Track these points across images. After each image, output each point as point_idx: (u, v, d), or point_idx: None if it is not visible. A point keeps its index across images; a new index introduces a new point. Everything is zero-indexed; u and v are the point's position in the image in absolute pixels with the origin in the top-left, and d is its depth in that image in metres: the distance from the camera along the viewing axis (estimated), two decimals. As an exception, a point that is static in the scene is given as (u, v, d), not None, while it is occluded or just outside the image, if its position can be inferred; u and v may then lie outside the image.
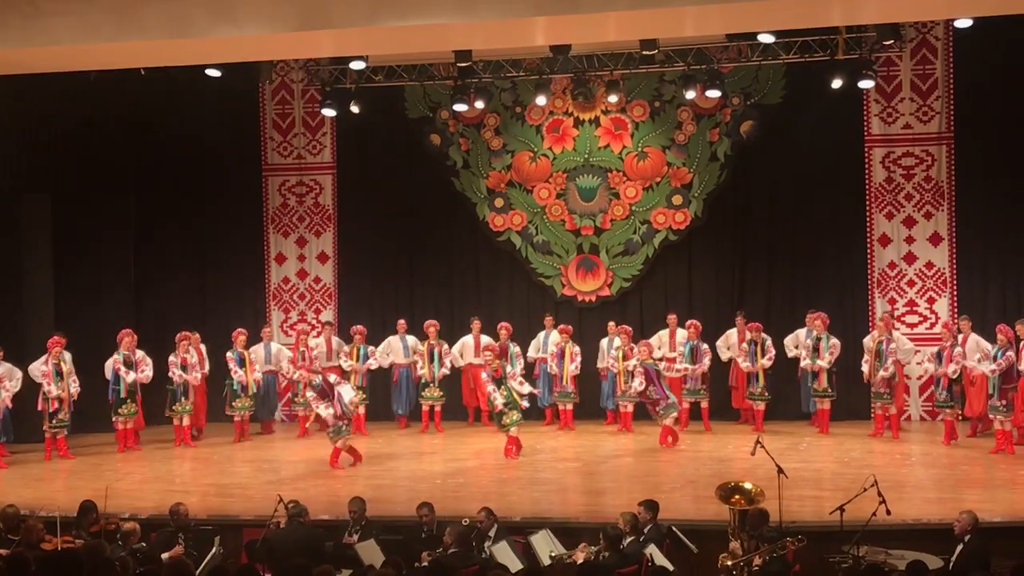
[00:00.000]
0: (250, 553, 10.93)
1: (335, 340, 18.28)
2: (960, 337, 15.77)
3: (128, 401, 16.81)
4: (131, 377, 16.59)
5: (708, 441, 16.60)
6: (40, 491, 13.95)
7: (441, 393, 18.07)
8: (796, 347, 17.19)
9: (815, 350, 16.77)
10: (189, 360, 17.15)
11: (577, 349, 17.81)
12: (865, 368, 16.42)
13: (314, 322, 19.45)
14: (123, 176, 19.03)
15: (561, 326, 18.14)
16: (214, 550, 10.57)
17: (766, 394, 17.13)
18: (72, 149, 18.09)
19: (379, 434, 17.81)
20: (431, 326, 18.10)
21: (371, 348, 18.11)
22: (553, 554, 10.36)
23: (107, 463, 15.93)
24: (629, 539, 10.26)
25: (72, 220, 18.38)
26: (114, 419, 16.80)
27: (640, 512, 10.62)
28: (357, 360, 18.00)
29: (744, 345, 17.17)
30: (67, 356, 16.36)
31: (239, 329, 17.81)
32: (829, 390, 16.81)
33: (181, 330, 17.38)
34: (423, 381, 18.10)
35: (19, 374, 16.14)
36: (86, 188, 18.37)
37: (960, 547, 9.81)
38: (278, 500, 11.14)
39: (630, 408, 17.35)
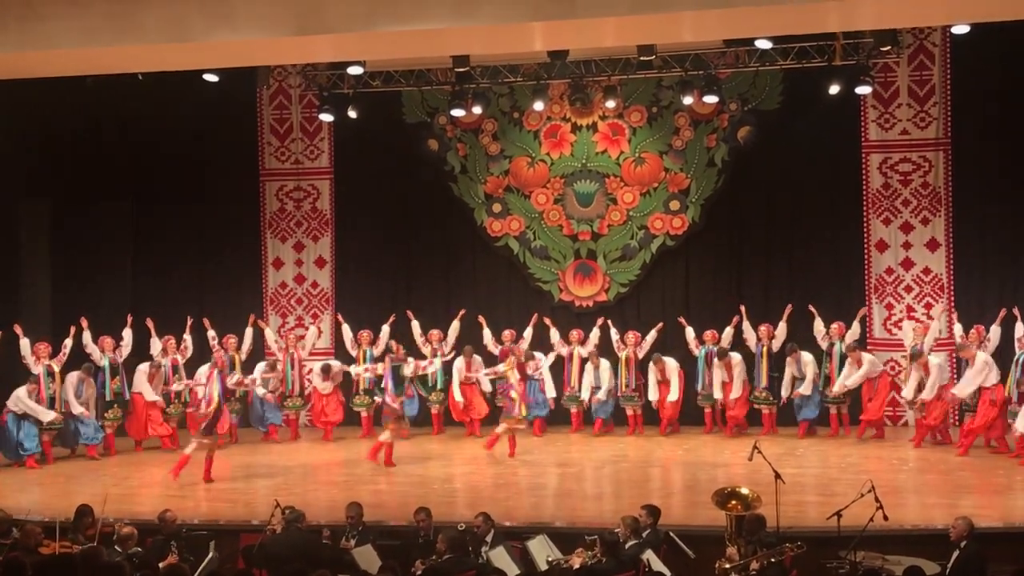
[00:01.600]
0: (247, 558, 10.93)
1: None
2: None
3: (114, 405, 16.92)
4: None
5: (705, 446, 16.61)
6: (37, 496, 13.94)
7: (445, 395, 18.09)
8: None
9: (828, 356, 16.81)
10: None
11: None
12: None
13: (309, 325, 19.48)
14: (121, 180, 19.03)
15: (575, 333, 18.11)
16: (211, 555, 10.57)
17: (771, 397, 17.15)
18: (70, 153, 18.12)
19: (368, 444, 17.83)
20: (433, 334, 18.07)
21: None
22: (550, 559, 10.36)
23: (104, 467, 15.94)
24: (631, 542, 10.27)
25: (70, 224, 18.41)
26: (100, 423, 16.88)
27: (642, 516, 10.63)
28: (364, 363, 17.97)
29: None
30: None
31: (228, 335, 17.85)
32: (841, 395, 16.82)
33: (172, 335, 17.45)
34: (429, 386, 18.11)
35: None
36: (84, 192, 18.40)
37: (957, 553, 9.82)
38: (275, 505, 11.14)
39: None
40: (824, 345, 16.99)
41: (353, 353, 18.28)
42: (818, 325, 17.03)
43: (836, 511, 9.97)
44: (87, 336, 16.93)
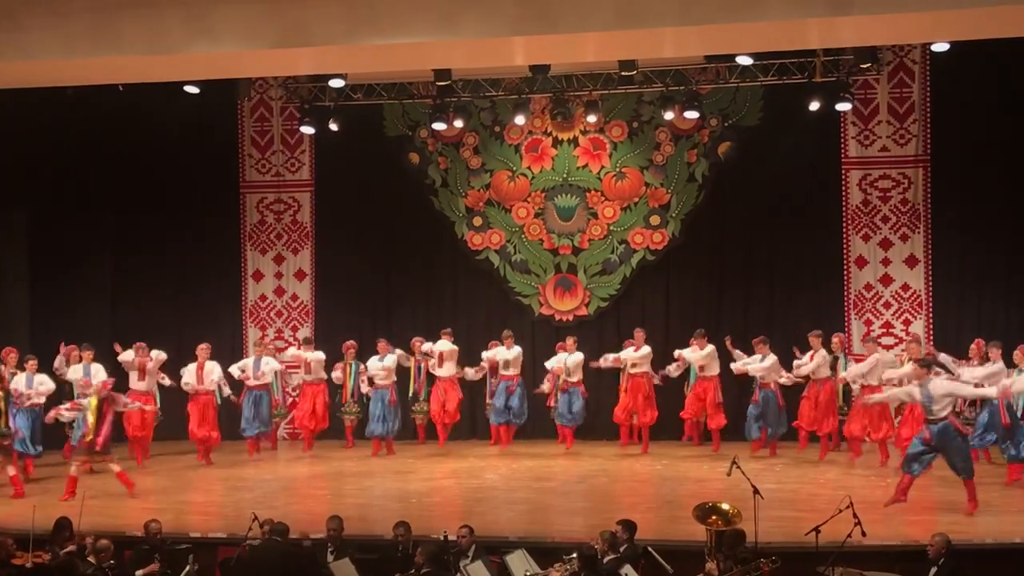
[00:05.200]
0: (225, 572, 10.88)
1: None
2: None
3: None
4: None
5: (685, 461, 16.60)
6: (11, 507, 13.83)
7: (428, 406, 18.13)
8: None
9: (832, 369, 16.65)
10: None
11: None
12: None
13: (291, 339, 19.48)
14: (100, 191, 18.96)
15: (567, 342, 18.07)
16: (188, 568, 10.52)
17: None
18: (49, 164, 18.04)
19: (356, 452, 17.81)
20: (417, 343, 18.08)
21: (362, 365, 18.07)
22: (528, 573, 10.34)
23: (80, 480, 15.78)
24: (609, 557, 10.25)
25: (49, 235, 18.33)
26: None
27: (618, 531, 10.62)
28: (349, 376, 17.96)
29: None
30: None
31: (204, 345, 17.55)
32: (845, 408, 16.71)
33: (155, 347, 17.20)
34: (412, 396, 18.09)
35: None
36: (63, 203, 18.32)
37: (935, 570, 9.83)
38: (253, 518, 11.08)
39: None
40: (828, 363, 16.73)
41: (339, 365, 18.23)
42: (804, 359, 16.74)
43: (814, 527, 9.96)
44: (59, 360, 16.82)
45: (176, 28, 11.17)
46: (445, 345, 18.00)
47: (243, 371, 17.70)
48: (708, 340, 17.23)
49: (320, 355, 18.07)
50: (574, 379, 17.63)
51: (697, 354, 17.16)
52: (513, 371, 17.83)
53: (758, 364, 16.66)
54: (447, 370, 17.95)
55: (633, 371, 17.44)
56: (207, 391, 17.19)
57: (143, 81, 14.10)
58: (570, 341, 17.82)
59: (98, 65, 11.82)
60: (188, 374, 17.16)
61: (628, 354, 17.54)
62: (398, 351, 17.91)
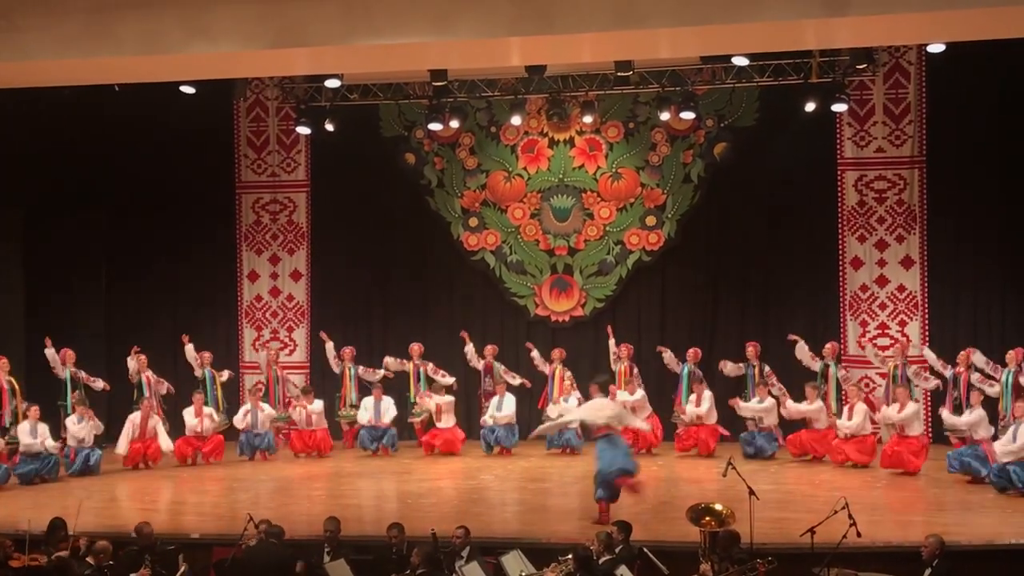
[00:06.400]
0: (219, 572, 10.87)
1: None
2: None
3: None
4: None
5: (680, 462, 16.61)
6: (7, 508, 13.82)
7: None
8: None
9: (823, 376, 16.82)
10: None
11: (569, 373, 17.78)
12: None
13: (287, 340, 19.48)
14: (96, 192, 18.95)
15: (557, 350, 18.11)
16: (182, 568, 10.51)
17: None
18: (45, 164, 18.00)
19: (350, 453, 17.80)
20: (415, 348, 18.06)
21: (361, 368, 18.13)
22: (524, 574, 10.35)
23: (76, 481, 15.79)
24: (604, 558, 10.26)
25: (44, 236, 18.31)
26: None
27: (613, 532, 10.63)
28: (350, 380, 17.97)
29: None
30: None
31: (205, 352, 17.70)
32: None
33: (150, 347, 17.17)
34: (411, 401, 18.04)
35: None
36: (59, 203, 18.30)
37: (928, 571, 9.84)
38: (247, 519, 11.07)
39: None
40: (817, 366, 16.96)
41: (336, 370, 18.24)
42: (802, 348, 16.99)
43: (810, 528, 9.97)
44: (51, 352, 16.66)
45: (172, 28, 11.16)
46: (443, 399, 17.72)
47: (245, 416, 17.51)
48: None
49: (319, 406, 17.71)
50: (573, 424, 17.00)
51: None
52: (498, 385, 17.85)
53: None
54: (446, 422, 17.68)
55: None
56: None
57: (139, 81, 14.06)
58: (559, 353, 17.92)
59: (94, 65, 11.80)
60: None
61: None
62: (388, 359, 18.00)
